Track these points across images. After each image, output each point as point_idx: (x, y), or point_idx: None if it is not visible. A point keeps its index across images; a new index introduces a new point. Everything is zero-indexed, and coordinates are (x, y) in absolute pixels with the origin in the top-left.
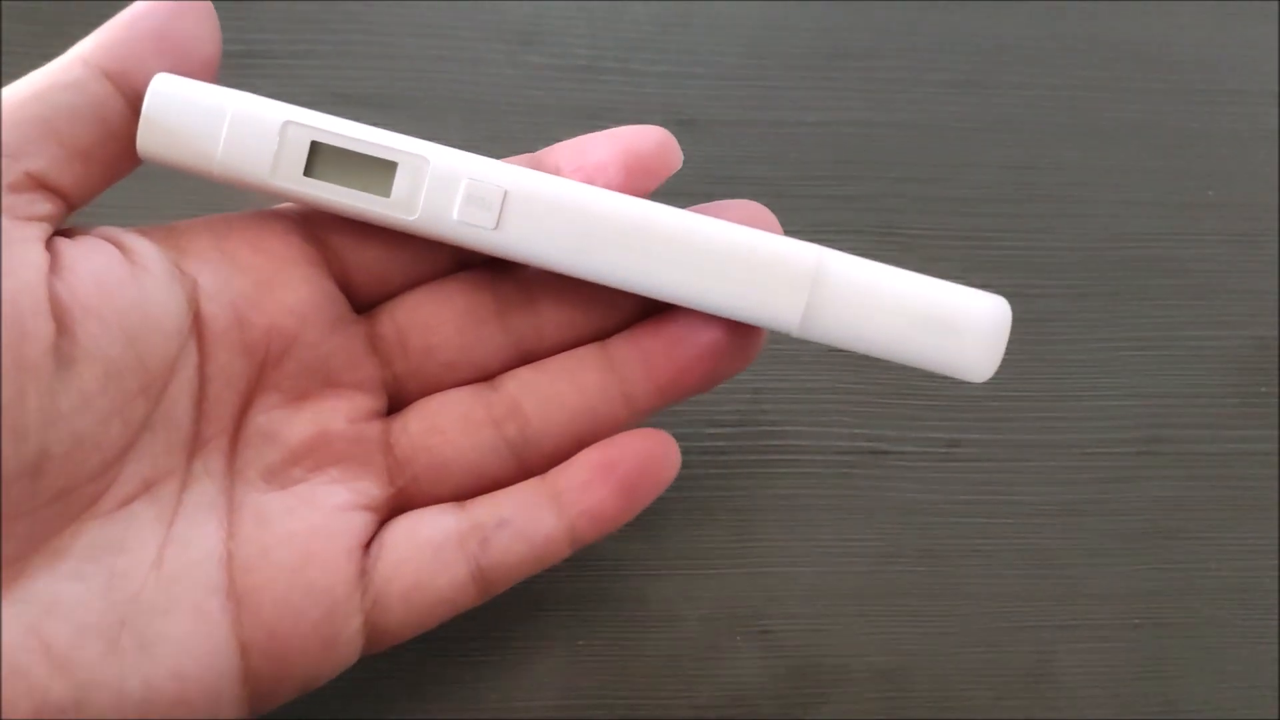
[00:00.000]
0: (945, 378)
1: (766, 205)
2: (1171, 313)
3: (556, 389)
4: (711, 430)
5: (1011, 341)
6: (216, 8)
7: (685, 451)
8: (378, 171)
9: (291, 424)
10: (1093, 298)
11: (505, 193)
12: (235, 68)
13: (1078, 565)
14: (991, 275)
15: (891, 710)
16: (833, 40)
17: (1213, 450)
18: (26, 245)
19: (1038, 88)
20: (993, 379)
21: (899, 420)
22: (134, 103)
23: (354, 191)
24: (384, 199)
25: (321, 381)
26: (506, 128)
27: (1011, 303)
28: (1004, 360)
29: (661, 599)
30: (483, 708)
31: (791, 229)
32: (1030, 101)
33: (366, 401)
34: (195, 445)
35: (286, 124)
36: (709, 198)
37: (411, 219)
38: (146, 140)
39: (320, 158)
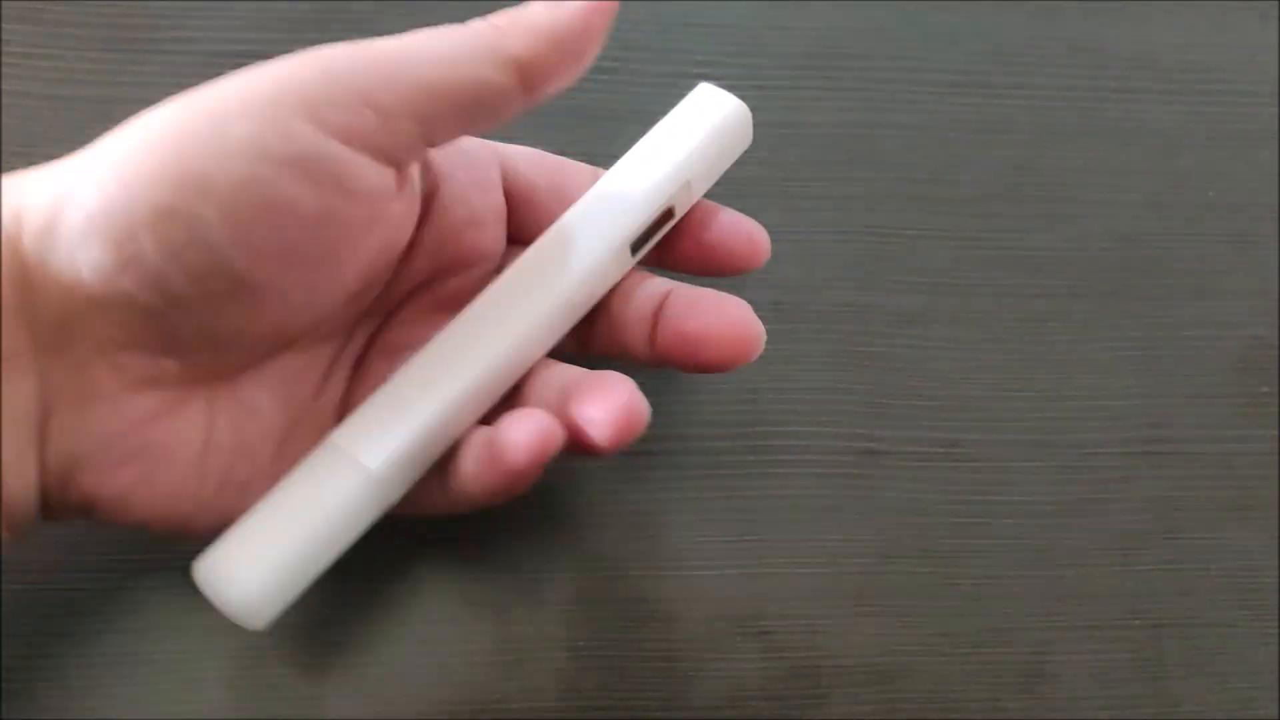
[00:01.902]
0: None
1: (764, 206)
2: (1171, 313)
3: None
4: (710, 431)
5: (1010, 341)
6: (216, 9)
7: (684, 452)
8: None
9: (412, 328)
10: (1091, 298)
11: None
12: (234, 68)
13: (1076, 565)
14: (990, 275)
15: (890, 710)
16: (831, 42)
17: (1211, 450)
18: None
19: (1035, 88)
20: (991, 379)
21: (897, 420)
22: (530, 95)
23: None
24: None
25: (448, 308)
26: (507, 130)
27: (1010, 303)
28: (1002, 359)
29: (661, 599)
30: (483, 708)
31: (789, 230)
32: (1028, 102)
33: None
34: (360, 317)
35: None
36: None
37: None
38: None
39: None
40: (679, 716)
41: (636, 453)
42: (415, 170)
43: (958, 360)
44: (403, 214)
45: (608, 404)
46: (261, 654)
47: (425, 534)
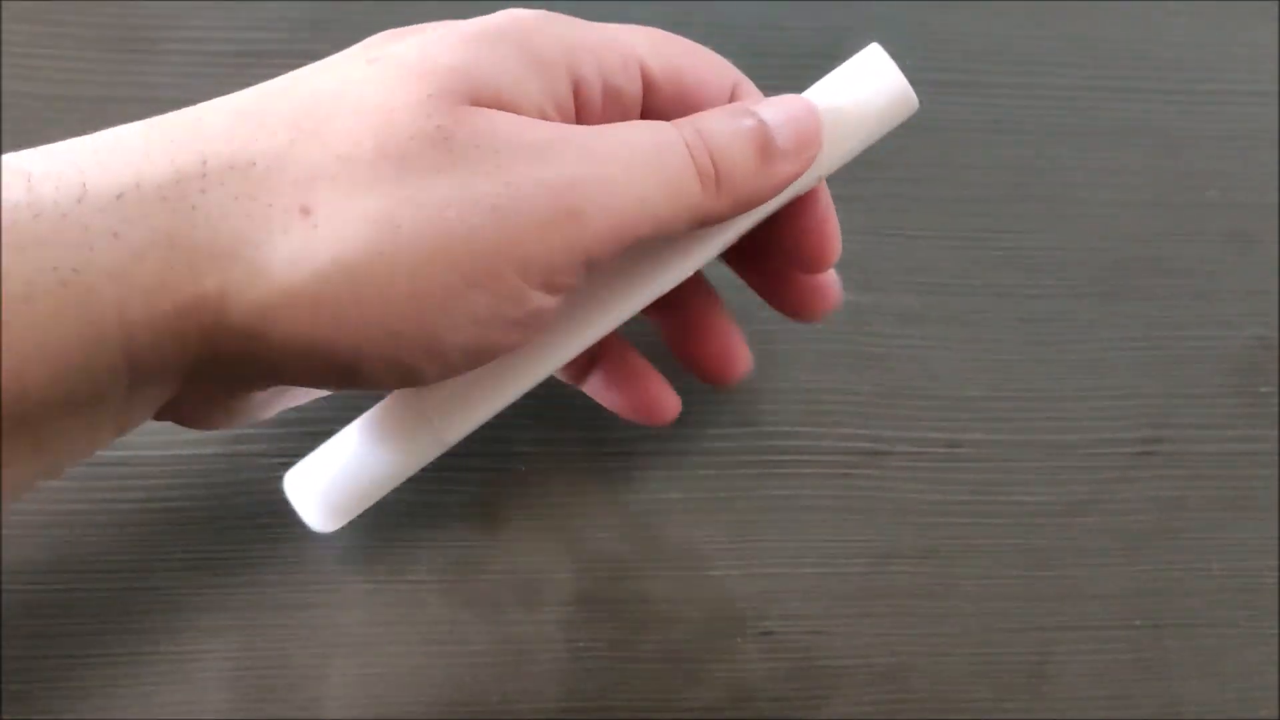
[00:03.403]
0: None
1: None
2: (1171, 312)
3: None
4: (711, 431)
5: (1010, 341)
6: (216, 8)
7: (685, 452)
8: None
9: None
10: (1092, 297)
11: None
12: (233, 67)
13: (1078, 565)
14: (990, 275)
15: (892, 711)
16: (831, 40)
17: (1213, 450)
18: None
19: (1037, 88)
20: (992, 379)
21: (899, 420)
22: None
23: None
24: None
25: None
26: None
27: (1011, 302)
28: (1003, 359)
29: (662, 600)
30: (484, 709)
31: None
32: (1029, 101)
33: None
34: None
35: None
36: None
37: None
38: None
39: None
40: (680, 718)
41: (637, 453)
42: None
43: (958, 360)
44: None
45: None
46: (261, 655)
47: (425, 534)
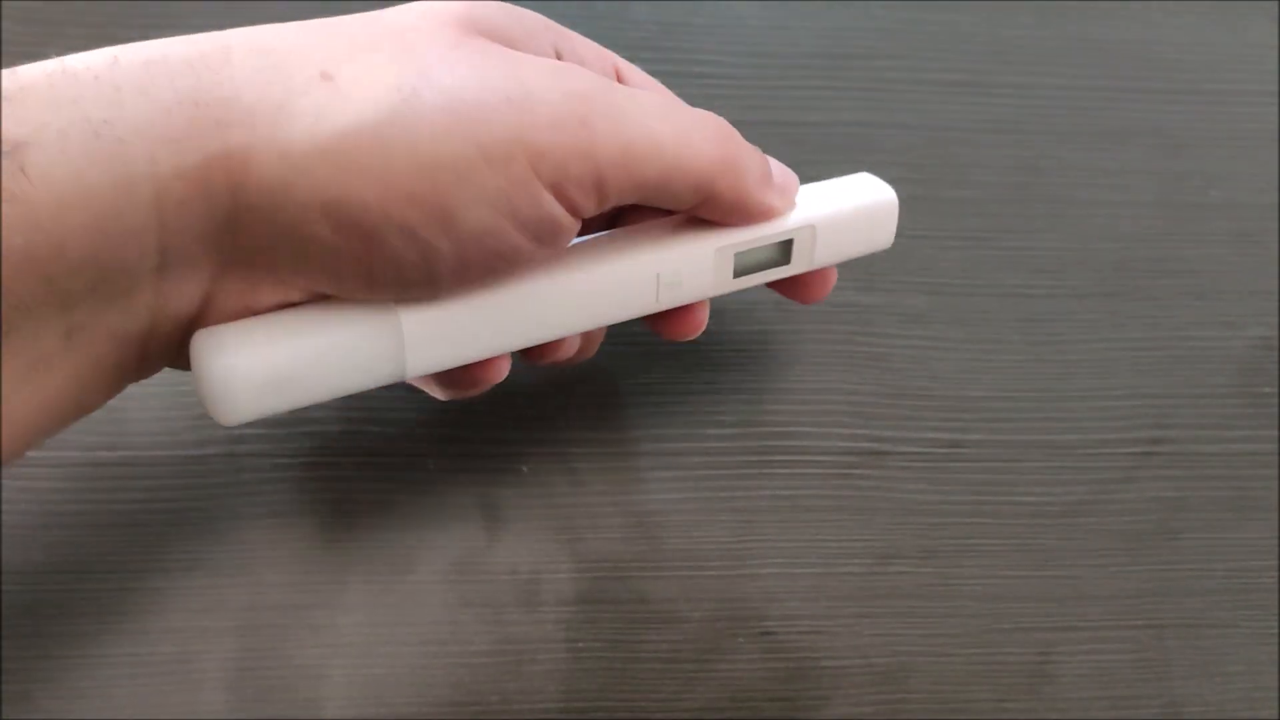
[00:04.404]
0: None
1: None
2: (1173, 313)
3: None
4: (712, 430)
5: (1012, 341)
6: (215, 9)
7: (686, 452)
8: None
9: None
10: (1094, 298)
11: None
12: None
13: (1079, 566)
14: (992, 275)
15: (893, 711)
16: (834, 41)
17: (1214, 451)
18: None
19: (1039, 88)
20: (994, 379)
21: (899, 420)
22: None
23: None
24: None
25: None
26: None
27: (1013, 303)
28: (1005, 359)
29: (662, 599)
30: (483, 709)
31: None
32: (1031, 102)
33: None
34: None
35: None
36: None
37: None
38: None
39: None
40: (680, 718)
41: (636, 453)
42: None
43: (960, 360)
44: None
45: None
46: (261, 655)
47: (425, 534)
